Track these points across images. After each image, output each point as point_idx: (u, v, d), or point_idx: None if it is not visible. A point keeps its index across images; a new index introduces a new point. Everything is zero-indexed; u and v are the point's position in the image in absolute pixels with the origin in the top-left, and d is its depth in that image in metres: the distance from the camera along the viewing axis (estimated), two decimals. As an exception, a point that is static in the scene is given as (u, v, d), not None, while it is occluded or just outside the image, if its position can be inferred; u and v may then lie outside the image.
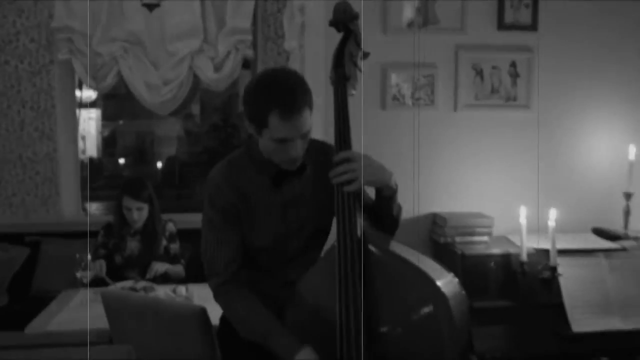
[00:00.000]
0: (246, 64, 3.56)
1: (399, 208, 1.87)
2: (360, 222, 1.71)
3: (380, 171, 1.72)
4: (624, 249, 2.56)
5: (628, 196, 2.69)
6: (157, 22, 3.33)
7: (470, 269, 2.44)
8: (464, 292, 1.72)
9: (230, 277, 1.78)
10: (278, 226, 1.81)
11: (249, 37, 3.36)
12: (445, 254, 2.55)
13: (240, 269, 1.80)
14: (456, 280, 1.72)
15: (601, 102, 2.85)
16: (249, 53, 3.40)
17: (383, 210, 1.78)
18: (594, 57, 2.83)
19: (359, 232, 1.68)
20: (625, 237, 2.64)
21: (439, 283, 1.62)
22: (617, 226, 2.73)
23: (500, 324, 2.37)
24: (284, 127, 1.62)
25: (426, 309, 1.62)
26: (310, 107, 1.67)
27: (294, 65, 3.04)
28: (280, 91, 1.63)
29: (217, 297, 1.82)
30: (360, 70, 1.83)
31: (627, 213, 2.69)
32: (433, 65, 2.72)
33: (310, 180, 1.79)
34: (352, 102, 1.86)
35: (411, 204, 2.69)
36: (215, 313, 2.04)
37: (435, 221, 2.69)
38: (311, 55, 2.91)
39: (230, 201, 1.78)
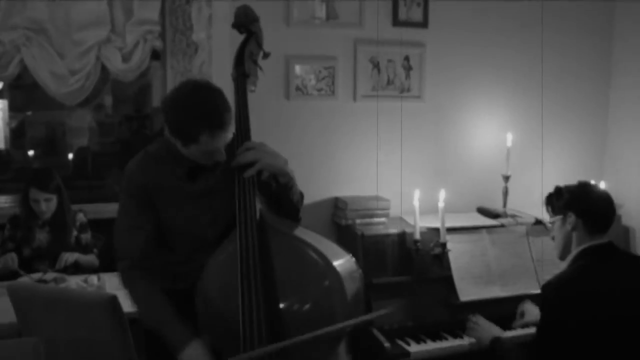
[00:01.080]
0: (156, 54, 3.46)
1: (300, 195, 1.93)
2: (259, 207, 1.77)
3: (277, 158, 1.78)
4: (502, 226, 2.75)
5: (506, 178, 2.88)
6: (61, 11, 3.16)
7: (369, 248, 2.53)
8: (360, 270, 1.80)
9: (139, 262, 1.81)
10: (192, 216, 1.84)
11: (157, 28, 3.25)
12: (347, 235, 2.64)
13: (150, 256, 1.82)
14: (353, 259, 1.80)
15: (484, 94, 3.03)
16: (158, 44, 3.30)
17: (282, 197, 1.83)
18: (477, 53, 2.99)
19: (257, 216, 1.74)
20: (504, 215, 2.83)
21: (334, 262, 1.70)
22: (497, 205, 2.92)
23: (397, 298, 2.48)
24: (213, 142, 1.67)
25: (321, 286, 1.69)
26: (233, 119, 1.73)
27: (202, 56, 3.01)
28: (212, 114, 1.65)
29: (124, 280, 1.85)
30: (260, 69, 1.88)
31: (505, 194, 2.88)
32: (334, 58, 2.77)
33: (224, 173, 1.82)
34: (257, 93, 1.90)
35: (315, 189, 2.76)
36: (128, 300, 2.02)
37: (337, 205, 2.77)
38: (218, 47, 2.89)
39: (143, 190, 1.80)
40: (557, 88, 3.16)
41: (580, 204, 2.10)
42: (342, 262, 1.74)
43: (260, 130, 2.42)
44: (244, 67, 1.82)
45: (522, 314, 2.42)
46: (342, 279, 1.67)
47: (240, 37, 1.87)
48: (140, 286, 1.80)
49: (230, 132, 1.71)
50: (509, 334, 2.39)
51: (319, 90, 2.76)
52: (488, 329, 2.32)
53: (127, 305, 2.00)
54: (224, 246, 1.78)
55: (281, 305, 1.69)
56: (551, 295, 1.99)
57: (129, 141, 4.79)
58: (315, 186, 2.77)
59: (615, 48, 3.23)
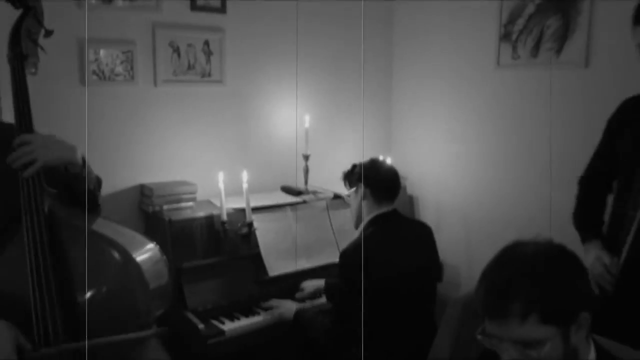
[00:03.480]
0: None
1: (96, 181, 1.83)
2: (48, 202, 1.67)
3: (61, 149, 1.66)
4: (304, 202, 2.93)
5: (306, 158, 3.05)
6: None
7: (178, 233, 2.53)
8: (164, 257, 1.81)
9: None
10: None
11: None
12: (155, 222, 2.63)
13: None
14: (156, 248, 1.80)
15: (282, 78, 3.17)
16: None
17: (74, 187, 1.73)
18: (274, 39, 3.11)
19: (46, 210, 1.64)
20: (306, 191, 3.01)
21: (133, 253, 1.68)
22: (299, 183, 3.09)
23: (209, 279, 2.54)
24: None
25: (120, 277, 1.68)
26: None
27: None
28: None
29: None
30: (42, 49, 1.74)
31: (306, 172, 3.06)
32: (132, 42, 2.71)
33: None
34: (48, 79, 1.78)
35: (119, 178, 2.72)
36: None
37: (143, 192, 2.73)
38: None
39: None
40: (350, 74, 3.43)
41: (370, 177, 2.35)
42: (143, 251, 1.73)
43: (55, 119, 2.32)
44: (20, 47, 1.66)
45: (302, 289, 2.67)
46: (141, 268, 1.67)
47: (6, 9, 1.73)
48: None
49: None
50: (308, 304, 2.61)
51: (118, 75, 2.69)
52: (289, 307, 2.51)
53: None
54: (8, 243, 1.64)
55: (80, 300, 1.62)
56: (347, 261, 2.21)
57: None
58: (120, 174, 2.70)
59: (395, 38, 3.61)
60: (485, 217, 3.14)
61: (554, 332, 1.17)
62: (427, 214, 3.48)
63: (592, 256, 1.95)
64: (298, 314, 2.44)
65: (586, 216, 2.14)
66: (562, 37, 2.73)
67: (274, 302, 2.58)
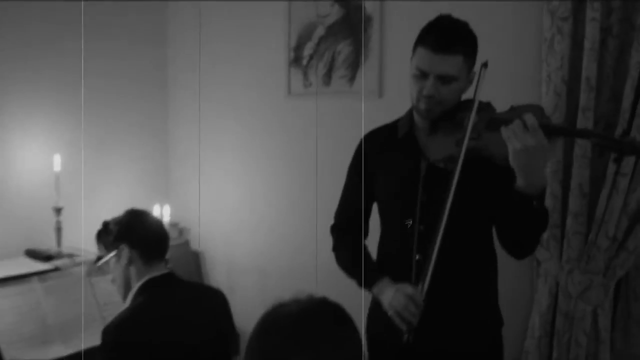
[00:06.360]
0: None
1: None
2: None
3: None
4: (57, 269, 2.56)
5: (58, 211, 2.70)
6: None
7: None
8: None
9: None
10: None
11: None
12: None
13: None
14: None
15: (22, 112, 2.77)
16: None
17: None
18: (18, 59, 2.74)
19: None
20: (59, 255, 2.65)
21: None
22: (51, 244, 2.71)
23: None
24: None
25: None
26: None
27: None
28: None
29: None
30: None
31: (59, 229, 2.70)
32: None
33: None
34: None
35: None
36: None
37: None
38: None
39: None
40: (114, 102, 3.13)
41: (133, 234, 2.05)
42: None
43: None
44: None
45: None
46: None
47: None
48: None
49: None
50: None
51: None
52: None
53: None
54: None
55: None
56: (109, 339, 1.87)
57: None
58: None
59: (170, 58, 3.40)
60: (286, 272, 2.98)
61: None
62: (216, 274, 3.26)
63: (390, 292, 1.87)
64: None
65: (357, 261, 2.04)
66: (354, 64, 2.69)
67: None
